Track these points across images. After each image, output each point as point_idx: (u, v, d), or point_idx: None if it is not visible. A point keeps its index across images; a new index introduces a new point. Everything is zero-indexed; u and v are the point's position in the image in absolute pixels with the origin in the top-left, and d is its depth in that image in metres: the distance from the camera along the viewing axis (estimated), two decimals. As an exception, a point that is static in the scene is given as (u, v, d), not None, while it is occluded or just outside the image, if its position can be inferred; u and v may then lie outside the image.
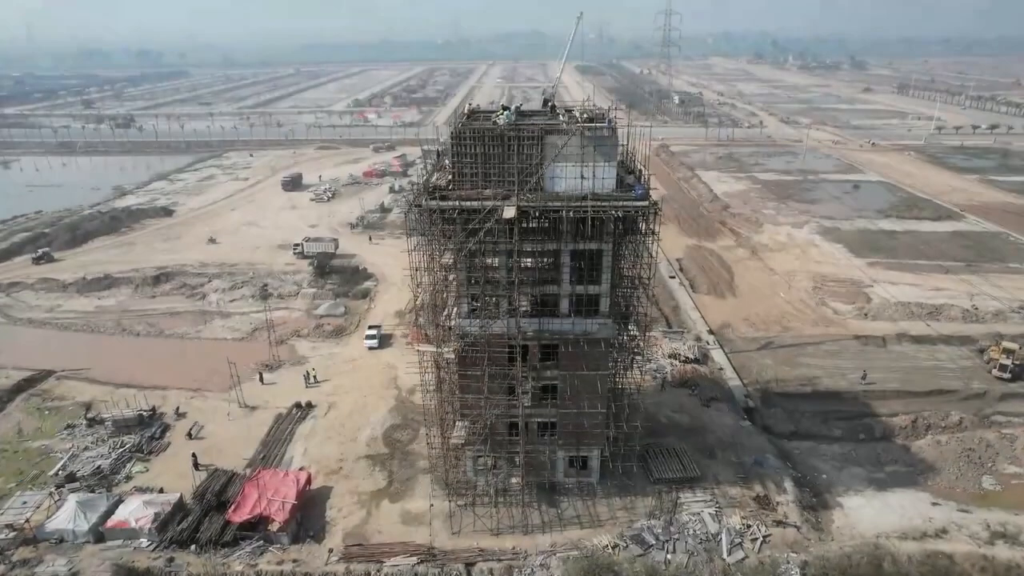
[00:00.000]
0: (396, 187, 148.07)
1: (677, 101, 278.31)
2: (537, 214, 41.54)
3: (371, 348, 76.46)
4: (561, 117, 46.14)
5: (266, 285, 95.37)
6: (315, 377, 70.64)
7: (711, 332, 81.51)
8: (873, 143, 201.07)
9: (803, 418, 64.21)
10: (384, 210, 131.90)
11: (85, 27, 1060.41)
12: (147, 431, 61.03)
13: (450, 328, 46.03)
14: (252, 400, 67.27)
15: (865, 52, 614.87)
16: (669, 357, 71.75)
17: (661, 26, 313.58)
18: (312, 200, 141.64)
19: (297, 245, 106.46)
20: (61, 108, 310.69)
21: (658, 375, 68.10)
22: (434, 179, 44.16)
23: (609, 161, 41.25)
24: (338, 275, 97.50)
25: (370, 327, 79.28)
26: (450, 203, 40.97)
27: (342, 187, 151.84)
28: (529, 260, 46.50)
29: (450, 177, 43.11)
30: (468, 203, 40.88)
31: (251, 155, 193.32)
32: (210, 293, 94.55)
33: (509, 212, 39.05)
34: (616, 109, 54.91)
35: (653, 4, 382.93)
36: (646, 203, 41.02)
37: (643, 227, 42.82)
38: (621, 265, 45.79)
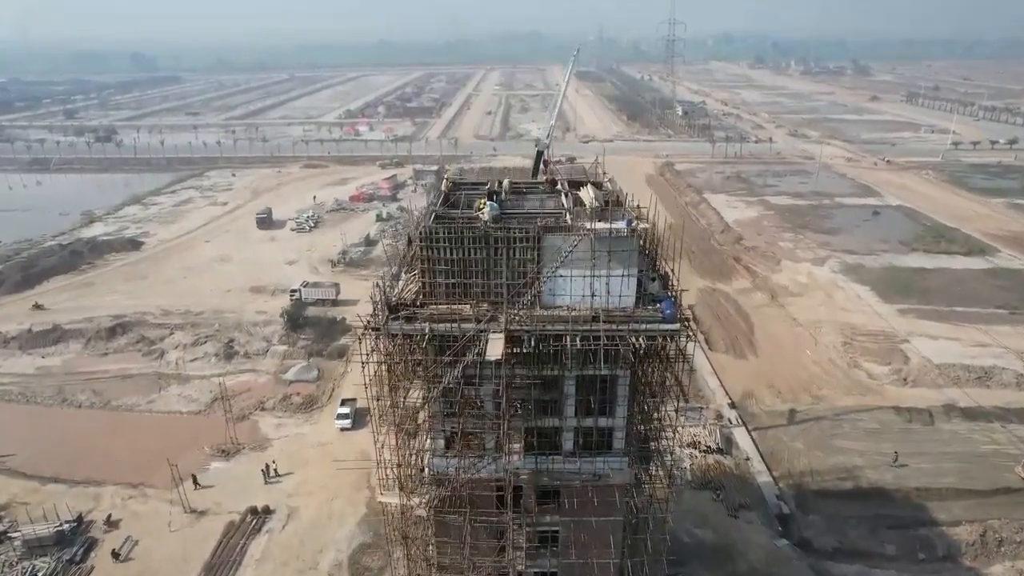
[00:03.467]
0: (384, 214, 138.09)
1: (681, 112, 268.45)
2: (533, 340, 31.57)
3: (343, 429, 66.49)
4: (565, 200, 36.21)
5: (232, 341, 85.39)
6: (276, 470, 60.76)
7: (732, 405, 71.65)
8: (888, 160, 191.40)
9: (847, 527, 54.40)
10: (369, 243, 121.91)
11: (82, 28, 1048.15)
12: (66, 552, 50.99)
13: (421, 470, 36.15)
14: (200, 501, 57.42)
15: (866, 54, 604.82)
16: (688, 447, 61.84)
17: (664, 36, 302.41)
18: (293, 230, 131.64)
19: (295, 291, 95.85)
20: (42, 118, 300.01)
21: (676, 475, 58.05)
22: (401, 285, 34.23)
23: (628, 269, 31.37)
24: (313, 328, 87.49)
25: (343, 402, 69.16)
26: (417, 327, 31.07)
27: (326, 213, 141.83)
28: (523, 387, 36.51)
29: (422, 282, 33.20)
30: (441, 326, 31.01)
31: (233, 174, 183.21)
32: (169, 350, 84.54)
33: (495, 350, 29.16)
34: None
35: (654, 4, 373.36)
36: (677, 326, 31.17)
37: (673, 352, 32.90)
38: (642, 393, 35.84)
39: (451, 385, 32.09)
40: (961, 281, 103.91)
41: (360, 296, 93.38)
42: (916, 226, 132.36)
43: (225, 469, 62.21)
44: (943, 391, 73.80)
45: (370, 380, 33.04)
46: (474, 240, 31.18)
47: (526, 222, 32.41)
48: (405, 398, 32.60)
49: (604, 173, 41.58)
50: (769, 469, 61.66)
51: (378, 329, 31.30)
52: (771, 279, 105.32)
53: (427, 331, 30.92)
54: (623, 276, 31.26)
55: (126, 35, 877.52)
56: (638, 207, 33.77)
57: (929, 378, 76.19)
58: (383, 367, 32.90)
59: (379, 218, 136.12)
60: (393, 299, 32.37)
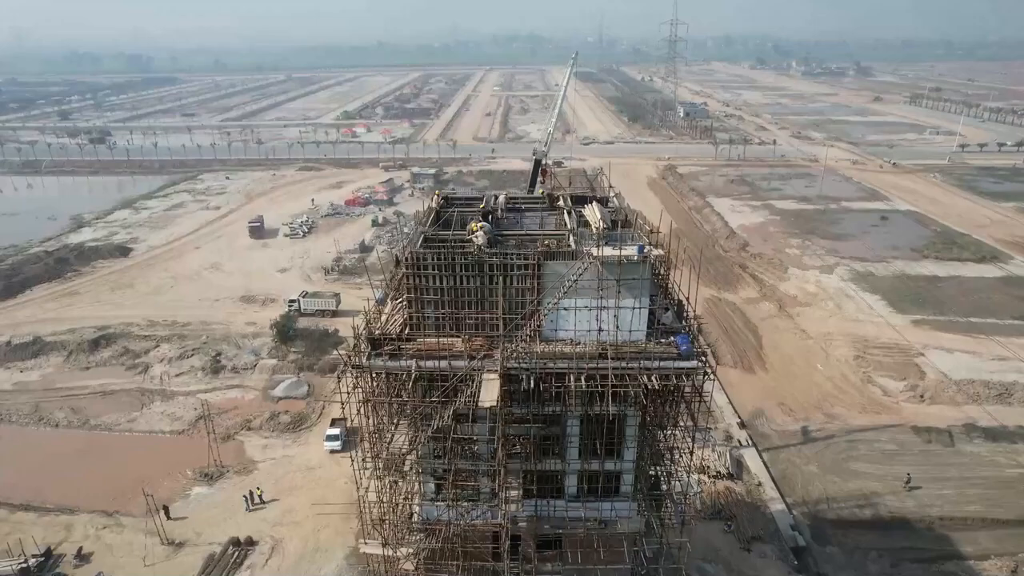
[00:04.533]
0: (379, 219, 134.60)
1: (683, 114, 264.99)
2: (532, 379, 28.15)
3: (333, 451, 63.05)
4: (568, 218, 32.83)
5: (219, 354, 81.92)
6: (261, 496, 57.26)
7: (742, 424, 68.19)
8: (894, 163, 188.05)
9: (868, 560, 50.98)
10: (364, 249, 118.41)
11: (78, 29, 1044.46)
12: (33, 591, 47.67)
13: (409, 516, 32.78)
14: (179, 531, 54.00)
15: (867, 55, 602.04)
16: (697, 472, 58.34)
17: (666, 37, 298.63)
18: (287, 236, 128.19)
19: (293, 301, 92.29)
20: (36, 119, 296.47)
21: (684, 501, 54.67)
22: (387, 314, 30.85)
23: (639, 299, 28.03)
24: (304, 340, 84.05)
25: (333, 422, 65.69)
26: (401, 364, 27.69)
27: (320, 219, 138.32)
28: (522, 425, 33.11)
29: (409, 313, 29.83)
30: (430, 364, 27.64)
31: (227, 177, 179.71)
32: (154, 364, 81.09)
33: (489, 394, 25.79)
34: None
35: (654, 5, 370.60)
36: (694, 363, 27.82)
37: (689, 391, 29.54)
38: (653, 433, 32.50)
39: (441, 425, 28.74)
40: (975, 290, 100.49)
41: (354, 306, 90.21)
42: (926, 232, 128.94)
43: (207, 495, 58.78)
44: (962, 409, 70.41)
45: (352, 419, 29.75)
46: (467, 267, 27.89)
47: (524, 246, 29.12)
48: (390, 442, 29.21)
49: (611, 187, 38.21)
50: (782, 495, 58.21)
51: (359, 366, 27.94)
52: (779, 288, 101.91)
53: (413, 369, 27.60)
54: (634, 308, 27.92)
55: (123, 36, 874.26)
56: (651, 231, 30.34)
57: (947, 395, 72.80)
58: (366, 407, 29.55)
59: (375, 223, 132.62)
60: (376, 331, 29.02)
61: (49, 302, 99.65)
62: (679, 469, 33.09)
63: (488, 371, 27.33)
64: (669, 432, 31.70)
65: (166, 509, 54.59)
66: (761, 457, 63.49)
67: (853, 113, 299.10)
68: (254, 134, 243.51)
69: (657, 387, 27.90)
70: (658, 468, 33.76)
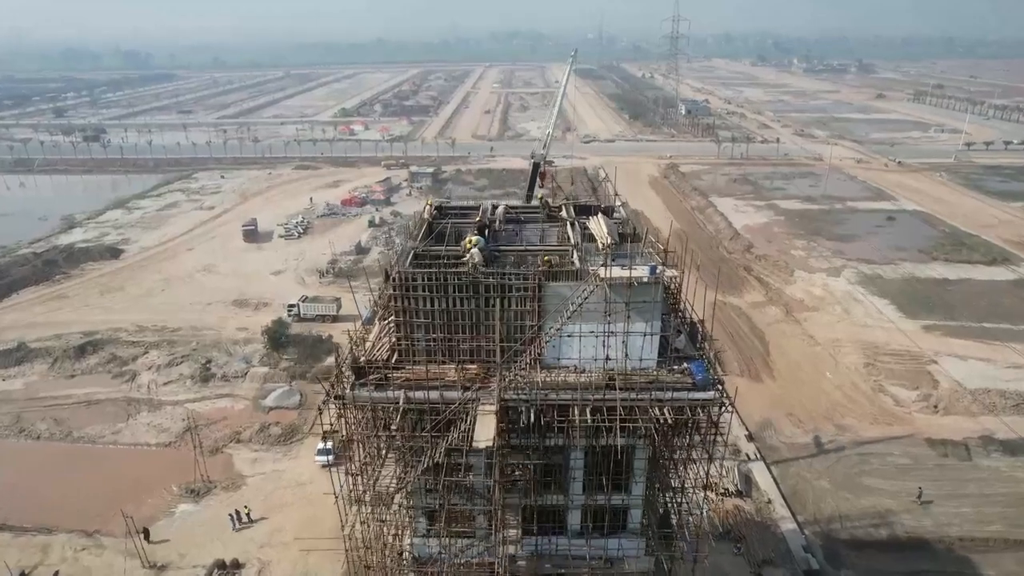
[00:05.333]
0: (376, 220, 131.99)
1: (684, 111, 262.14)
2: (531, 412, 25.58)
3: (324, 466, 60.48)
4: (571, 232, 30.25)
5: (209, 362, 79.43)
6: (248, 515, 54.80)
7: (749, 437, 65.69)
8: (899, 161, 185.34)
9: (885, 585, 48.65)
10: (360, 251, 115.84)
11: (76, 26, 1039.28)
12: (5, 620, 45.22)
13: (399, 555, 30.27)
14: (162, 553, 51.54)
15: (868, 52, 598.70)
16: (704, 489, 55.68)
17: (667, 34, 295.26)
18: (281, 236, 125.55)
19: (292, 306, 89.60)
20: (31, 116, 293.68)
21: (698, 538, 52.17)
22: (372, 340, 28.27)
23: (650, 324, 25.46)
24: (296, 347, 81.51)
25: (325, 435, 63.05)
26: (388, 395, 25.15)
27: (316, 219, 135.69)
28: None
29: (397, 337, 27.24)
30: (419, 395, 25.09)
31: (222, 176, 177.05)
32: (142, 372, 78.56)
33: (484, 435, 23.21)
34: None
35: (655, 1, 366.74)
36: (711, 394, 25.27)
37: (704, 423, 27.01)
38: (665, 465, 29.99)
39: (432, 464, 26.18)
40: (987, 293, 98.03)
41: (352, 311, 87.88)
42: (933, 232, 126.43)
43: (193, 513, 56.31)
44: (978, 420, 67.97)
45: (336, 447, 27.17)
46: (460, 288, 25.28)
47: (524, 263, 26.56)
48: (376, 480, 26.67)
49: (616, 195, 35.68)
50: (793, 514, 55.72)
51: (342, 398, 25.38)
52: (785, 292, 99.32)
53: (402, 402, 25.03)
54: (645, 335, 25.33)
55: (122, 33, 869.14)
56: (664, 251, 27.73)
57: (962, 405, 70.31)
58: (350, 440, 27.04)
59: (371, 224, 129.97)
60: (361, 357, 26.44)
61: (36, 306, 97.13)
62: (691, 504, 30.60)
63: (484, 403, 24.79)
64: (681, 466, 29.20)
65: (146, 532, 52.02)
66: (770, 471, 61.02)
67: (856, 110, 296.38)
68: (250, 132, 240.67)
69: (670, 421, 25.34)
70: (668, 501, 31.30)
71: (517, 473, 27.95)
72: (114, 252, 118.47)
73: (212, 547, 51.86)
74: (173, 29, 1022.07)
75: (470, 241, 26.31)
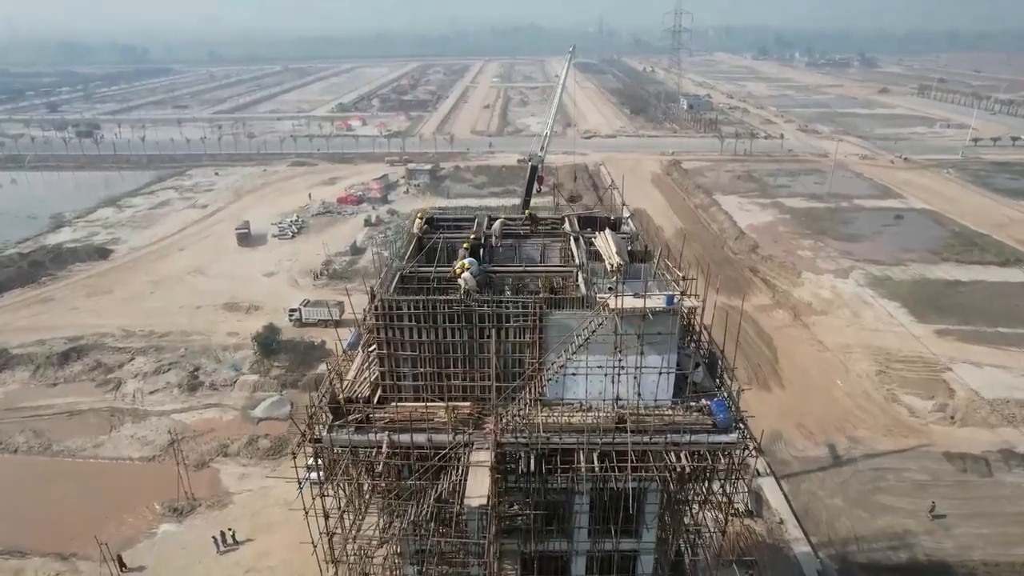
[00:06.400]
0: (373, 218, 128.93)
1: (686, 106, 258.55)
2: (531, 457, 22.69)
3: (313, 483, 57.66)
4: (575, 249, 27.29)
5: (197, 369, 76.60)
6: (233, 536, 52.06)
7: (759, 450, 62.65)
8: (905, 158, 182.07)
9: (906, 613, 45.97)
10: (356, 251, 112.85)
11: (72, 19, 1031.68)
12: (-29, 655, 42.46)
13: (387, 606, 27.47)
14: (141, 578, 48.84)
15: (870, 46, 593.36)
16: (722, 533, 52.84)
17: (669, 27, 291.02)
18: (275, 236, 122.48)
19: (294, 311, 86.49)
20: (24, 111, 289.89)
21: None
22: (354, 373, 25.37)
23: (666, 359, 22.58)
24: (288, 354, 78.65)
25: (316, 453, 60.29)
26: (370, 437, 22.26)
27: (311, 218, 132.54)
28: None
29: (381, 372, 24.31)
30: (404, 437, 22.20)
31: (216, 173, 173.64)
32: (127, 380, 75.71)
33: (478, 491, 20.31)
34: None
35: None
36: (733, 437, 22.40)
37: (725, 467, 24.16)
38: (679, 507, 27.15)
39: (420, 516, 23.33)
40: (1000, 296, 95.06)
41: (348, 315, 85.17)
42: (943, 232, 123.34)
43: (175, 534, 53.54)
44: (997, 432, 65.16)
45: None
46: (452, 318, 22.36)
47: (523, 286, 23.63)
48: (358, 532, 23.83)
49: (624, 204, 32.70)
50: (806, 535, 52.96)
51: (318, 440, 22.50)
52: (792, 294, 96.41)
53: (385, 445, 22.16)
54: (660, 368, 22.45)
55: (119, 27, 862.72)
56: (682, 278, 24.75)
57: (980, 415, 67.48)
58: (330, 485, 24.22)
59: (368, 223, 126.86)
60: (340, 395, 23.55)
61: (21, 309, 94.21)
62: (706, 547, 27.84)
63: (478, 448, 21.92)
64: (697, 510, 26.41)
65: (119, 559, 49.22)
66: (781, 488, 58.23)
67: (860, 105, 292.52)
68: (246, 127, 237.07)
69: (688, 467, 22.49)
70: (682, 545, 28.53)
71: (519, 520, 25.07)
72: (103, 253, 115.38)
73: (194, 572, 49.26)
74: (173, 27, 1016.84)
75: (462, 265, 23.38)
